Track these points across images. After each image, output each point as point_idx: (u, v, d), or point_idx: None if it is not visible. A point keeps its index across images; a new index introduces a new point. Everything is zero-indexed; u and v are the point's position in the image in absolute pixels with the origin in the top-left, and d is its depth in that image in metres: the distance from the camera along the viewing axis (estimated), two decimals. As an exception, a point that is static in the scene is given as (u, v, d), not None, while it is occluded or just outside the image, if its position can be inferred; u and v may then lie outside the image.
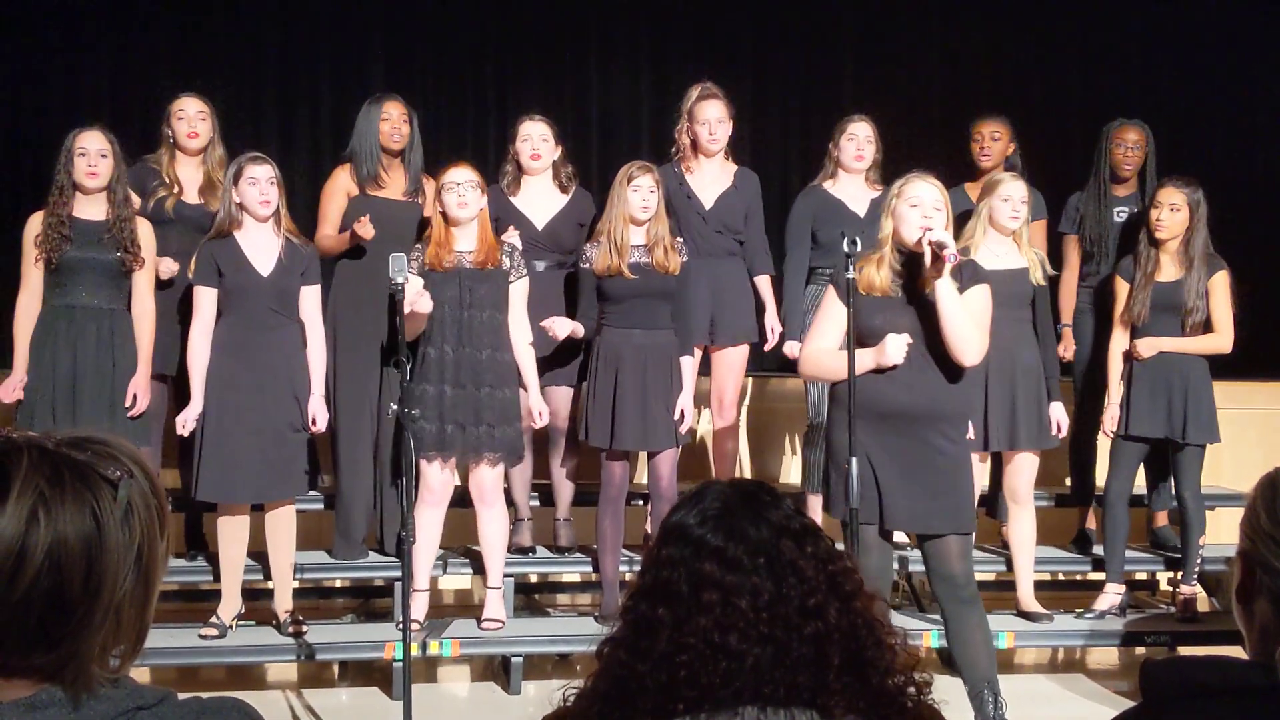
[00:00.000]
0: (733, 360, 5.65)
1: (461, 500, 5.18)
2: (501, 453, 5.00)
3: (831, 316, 4.16)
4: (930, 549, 4.16)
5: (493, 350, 5.00)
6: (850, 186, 5.61)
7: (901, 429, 4.05)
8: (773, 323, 5.65)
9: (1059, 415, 5.23)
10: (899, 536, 4.90)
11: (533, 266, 5.38)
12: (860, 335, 4.06)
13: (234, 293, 4.90)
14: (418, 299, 4.75)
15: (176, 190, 5.32)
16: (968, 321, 4.02)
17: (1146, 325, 5.29)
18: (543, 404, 5.12)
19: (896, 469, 4.06)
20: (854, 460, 3.96)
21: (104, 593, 1.28)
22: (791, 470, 6.49)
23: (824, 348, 4.17)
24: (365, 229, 5.16)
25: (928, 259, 3.98)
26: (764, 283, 5.67)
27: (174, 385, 5.25)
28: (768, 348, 5.76)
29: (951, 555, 4.12)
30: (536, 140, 5.45)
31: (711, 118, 5.55)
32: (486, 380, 4.97)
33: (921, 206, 4.04)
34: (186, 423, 4.88)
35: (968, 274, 4.10)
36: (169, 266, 5.18)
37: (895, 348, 4.00)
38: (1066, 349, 5.79)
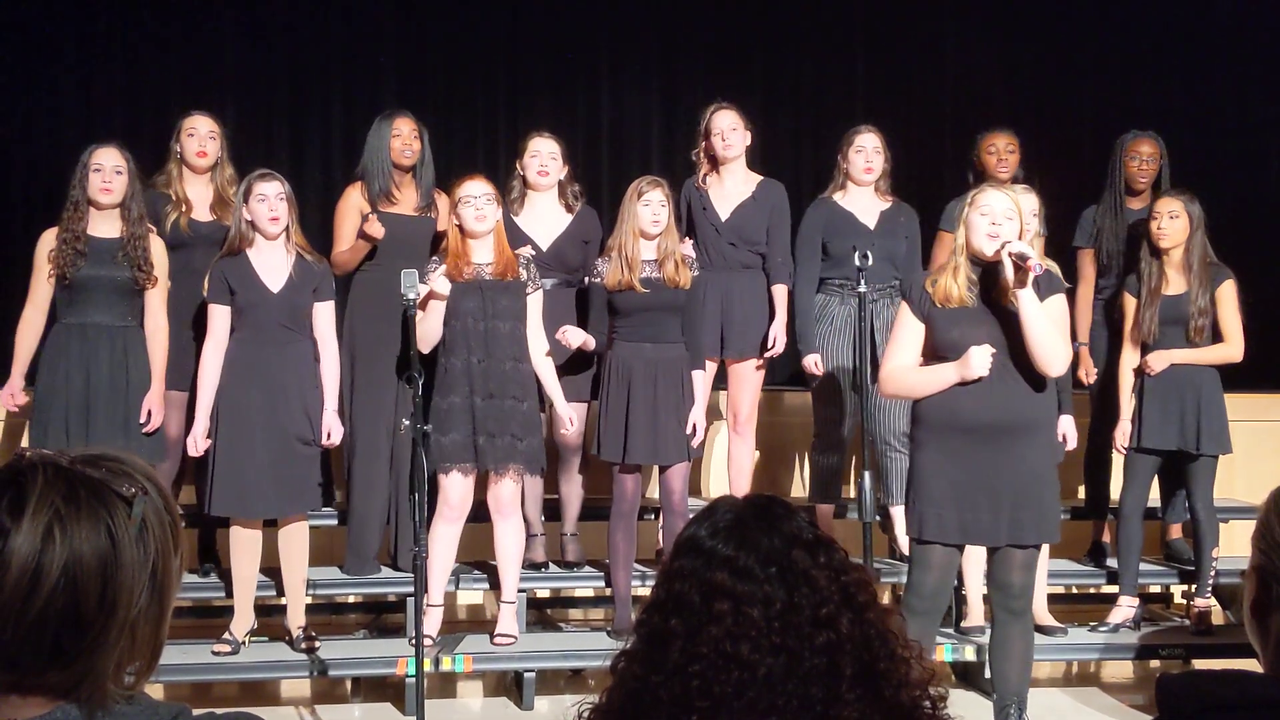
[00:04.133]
0: (748, 374, 5.64)
1: (474, 515, 5.17)
2: (525, 465, 5.01)
3: (907, 331, 4.14)
4: (997, 556, 4.16)
5: (515, 361, 5.01)
6: (860, 198, 5.61)
7: (986, 441, 4.02)
8: (776, 331, 5.62)
9: (1067, 428, 5.20)
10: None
11: (541, 285, 5.40)
12: (937, 349, 4.06)
13: (245, 310, 4.92)
14: (437, 282, 4.81)
15: (186, 209, 5.33)
16: (1052, 331, 4.00)
17: (1157, 340, 5.27)
18: (571, 410, 5.13)
19: (983, 484, 4.03)
20: (867, 474, 3.95)
21: (119, 610, 1.29)
22: (803, 484, 6.47)
23: (904, 365, 4.14)
24: (374, 227, 5.21)
25: (1009, 271, 3.96)
26: (780, 293, 5.64)
27: (189, 402, 5.26)
28: (767, 355, 5.73)
29: (1014, 565, 4.13)
30: (545, 157, 5.46)
31: (724, 126, 5.57)
32: (510, 391, 4.98)
33: (991, 214, 4.03)
34: (197, 442, 4.89)
35: (1043, 283, 4.09)
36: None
37: (980, 360, 3.97)
38: (1088, 373, 5.76)
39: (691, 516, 1.68)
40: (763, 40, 7.85)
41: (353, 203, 5.44)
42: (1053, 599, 5.52)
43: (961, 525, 4.06)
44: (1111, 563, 5.72)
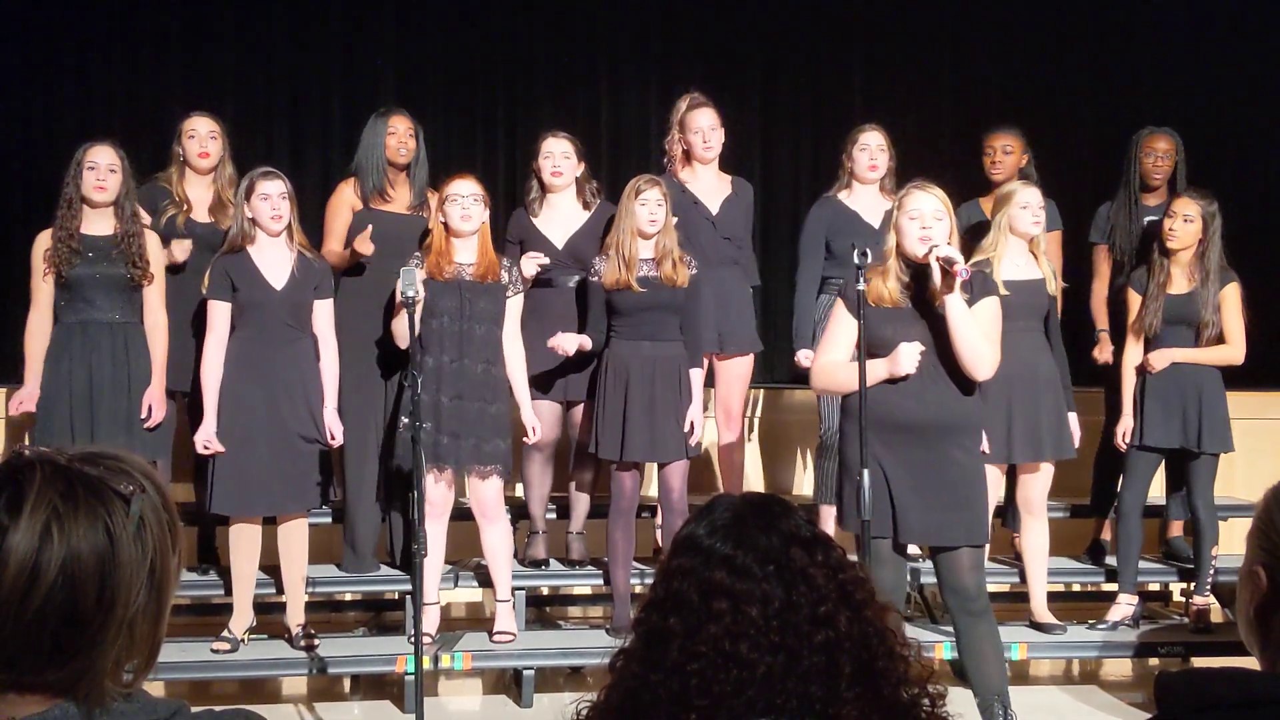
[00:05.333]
0: (738, 371, 5.64)
1: (469, 513, 5.17)
2: (491, 466, 5.00)
3: (840, 329, 4.14)
4: (942, 561, 4.14)
5: (487, 364, 5.01)
6: (865, 197, 5.61)
7: (914, 441, 4.02)
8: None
9: (1074, 426, 5.22)
10: (912, 548, 4.89)
11: (561, 283, 5.40)
12: (870, 346, 4.04)
13: (247, 307, 4.92)
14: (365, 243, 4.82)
15: (186, 208, 5.34)
16: (979, 336, 3.99)
17: (1159, 337, 5.27)
18: (535, 420, 5.13)
19: (910, 481, 4.03)
20: (865, 472, 3.95)
21: (117, 607, 1.29)
22: (804, 482, 6.48)
23: (834, 360, 4.15)
24: (365, 245, 5.18)
25: (936, 276, 3.95)
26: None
27: (188, 401, 5.27)
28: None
29: (963, 567, 4.10)
30: (558, 157, 5.46)
31: (704, 126, 5.56)
32: (479, 394, 4.98)
33: (921, 218, 4.02)
34: (209, 443, 4.88)
35: (977, 286, 4.08)
36: (184, 247, 5.19)
37: (908, 357, 3.97)
38: (1104, 352, 5.74)
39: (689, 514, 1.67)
40: (761, 40, 7.84)
41: (345, 199, 5.44)
42: (1052, 596, 5.52)
43: (893, 521, 4.05)
44: (1111, 560, 5.73)
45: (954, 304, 3.96)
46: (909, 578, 5.28)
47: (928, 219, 4.02)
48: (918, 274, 4.06)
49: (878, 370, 4.01)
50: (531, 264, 5.31)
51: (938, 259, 3.94)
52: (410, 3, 7.60)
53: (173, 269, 5.20)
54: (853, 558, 1.66)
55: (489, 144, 7.67)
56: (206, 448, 4.88)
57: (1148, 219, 5.69)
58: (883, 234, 5.44)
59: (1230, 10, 7.78)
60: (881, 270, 4.09)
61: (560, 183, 5.47)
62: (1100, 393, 5.84)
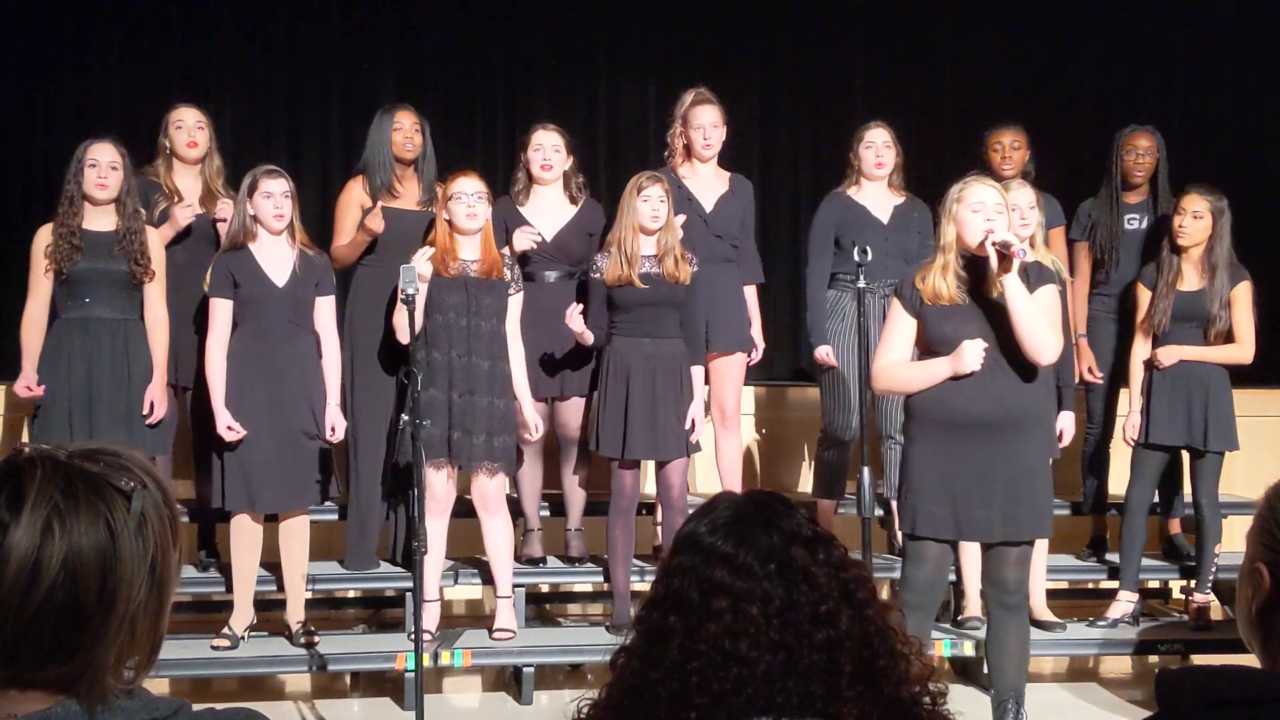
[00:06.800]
0: (732, 368, 5.62)
1: (470, 510, 5.18)
2: (500, 463, 5.01)
3: (898, 328, 4.14)
4: (990, 552, 4.16)
5: (494, 360, 5.02)
6: (873, 193, 5.62)
7: (978, 437, 4.01)
8: (756, 336, 5.63)
9: (1065, 424, 5.21)
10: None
11: (544, 278, 5.40)
12: (930, 344, 4.06)
13: (249, 304, 4.92)
14: (421, 265, 4.82)
15: (176, 200, 5.33)
16: (1040, 319, 3.98)
17: (1167, 333, 5.27)
18: (536, 417, 5.14)
19: (975, 479, 4.03)
20: (866, 470, 3.95)
21: (118, 604, 1.28)
22: (805, 479, 6.47)
23: (897, 360, 4.15)
24: (375, 221, 5.21)
25: (994, 260, 3.95)
26: (751, 293, 5.66)
27: (193, 396, 5.26)
28: (751, 362, 5.73)
29: (1009, 560, 4.13)
30: (548, 150, 5.45)
31: (706, 123, 5.55)
32: (488, 390, 4.99)
33: (984, 210, 4.02)
34: (233, 429, 4.83)
35: (1034, 274, 4.08)
36: (186, 213, 5.17)
37: (973, 354, 3.96)
38: (1091, 368, 5.74)
39: (690, 512, 1.67)
40: (761, 35, 7.84)
41: (354, 196, 5.44)
42: (1052, 594, 5.52)
43: (955, 521, 4.05)
44: (1111, 558, 5.73)
45: (1013, 285, 3.95)
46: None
47: (991, 211, 4.02)
48: (973, 266, 4.05)
49: (941, 369, 4.01)
50: (526, 239, 5.30)
51: (994, 244, 3.94)
52: (410, 2, 7.60)
53: (176, 239, 5.20)
54: (856, 555, 1.66)
55: (488, 143, 7.67)
56: (230, 429, 4.83)
57: (1129, 216, 5.71)
58: (899, 229, 5.50)
59: (1229, 10, 7.78)
60: (939, 265, 4.07)
61: (549, 176, 5.47)
62: (1085, 391, 5.84)
